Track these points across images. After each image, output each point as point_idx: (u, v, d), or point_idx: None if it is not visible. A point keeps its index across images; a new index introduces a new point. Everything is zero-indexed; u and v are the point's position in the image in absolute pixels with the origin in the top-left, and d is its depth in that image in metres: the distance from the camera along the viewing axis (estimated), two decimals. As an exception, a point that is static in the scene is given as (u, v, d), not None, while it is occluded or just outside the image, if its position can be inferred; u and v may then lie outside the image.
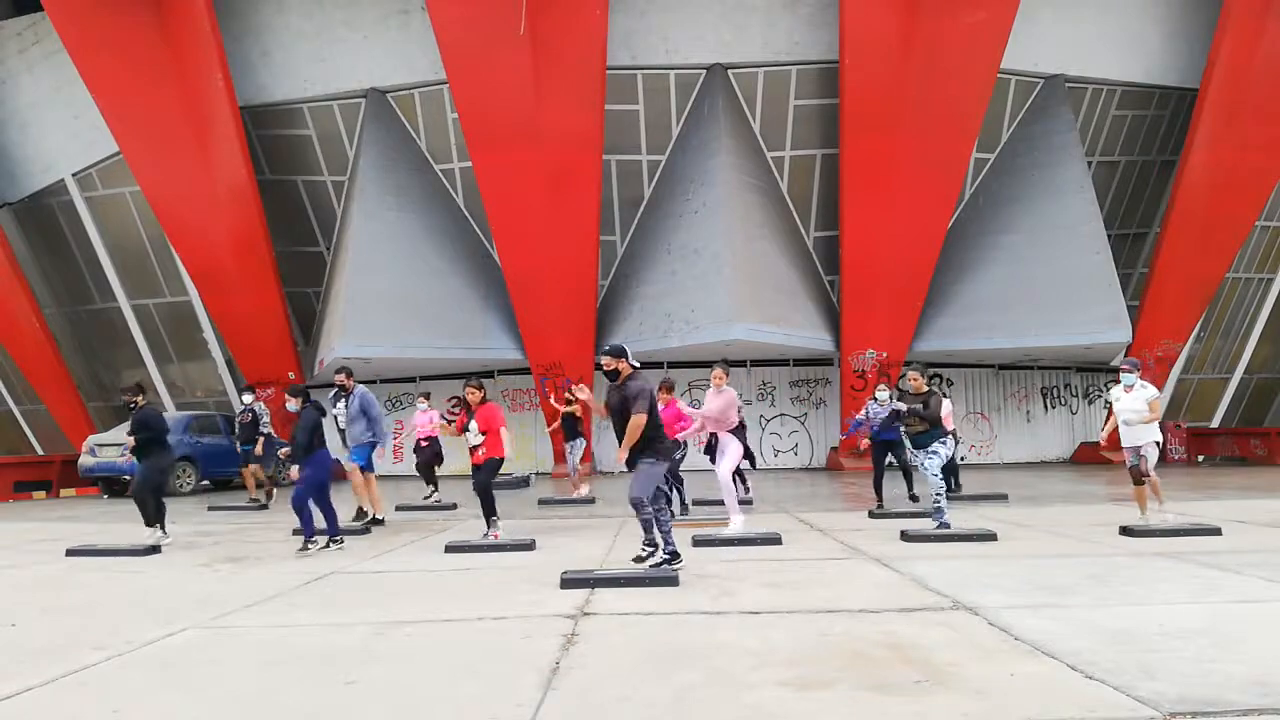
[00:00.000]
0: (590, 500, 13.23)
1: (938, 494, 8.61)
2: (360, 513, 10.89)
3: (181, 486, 17.48)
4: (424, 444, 13.30)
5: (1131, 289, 20.74)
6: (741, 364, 22.11)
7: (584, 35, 17.54)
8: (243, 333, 20.13)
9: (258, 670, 4.45)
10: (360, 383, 11.20)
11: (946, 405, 9.65)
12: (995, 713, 3.53)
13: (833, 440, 21.57)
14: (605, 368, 6.98)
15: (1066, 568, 6.83)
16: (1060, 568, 6.84)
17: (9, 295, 21.35)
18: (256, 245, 19.41)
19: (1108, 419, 9.56)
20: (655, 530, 6.89)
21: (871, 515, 10.53)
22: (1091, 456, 21.18)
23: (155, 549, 8.78)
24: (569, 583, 6.35)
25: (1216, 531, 8.42)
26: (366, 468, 10.79)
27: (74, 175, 21.17)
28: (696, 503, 12.10)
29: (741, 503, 9.99)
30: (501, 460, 9.12)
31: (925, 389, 8.77)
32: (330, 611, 5.81)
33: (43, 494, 18.26)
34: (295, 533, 10.01)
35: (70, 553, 8.80)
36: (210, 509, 13.40)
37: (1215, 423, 23.43)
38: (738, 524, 8.87)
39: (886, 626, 4.97)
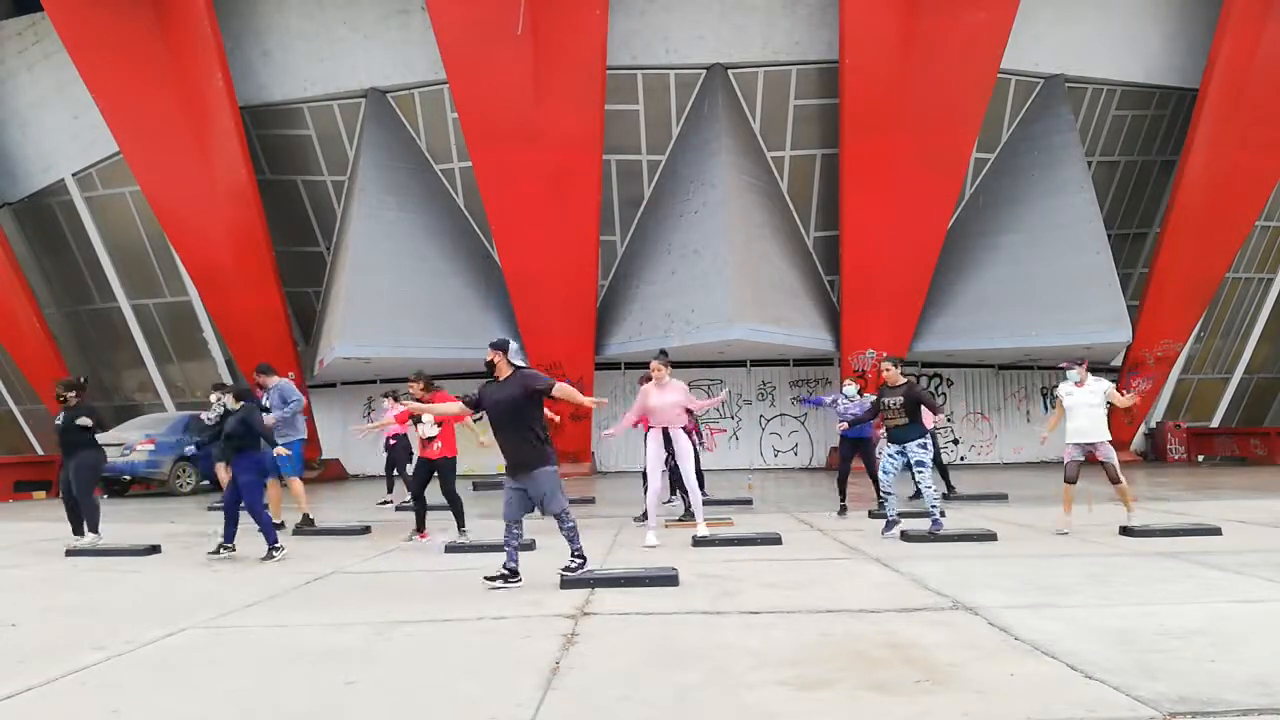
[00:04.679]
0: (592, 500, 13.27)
1: (934, 503, 8.67)
2: (306, 519, 10.43)
3: (181, 486, 17.49)
4: (393, 443, 13.46)
5: (1131, 289, 20.73)
6: (741, 364, 22.10)
7: (584, 35, 17.53)
8: (243, 333, 20.13)
9: (257, 670, 4.45)
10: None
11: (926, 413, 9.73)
12: (995, 713, 3.53)
13: (832, 440, 21.55)
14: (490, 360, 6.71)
15: (1066, 568, 6.83)
16: (1060, 568, 6.84)
17: (9, 295, 21.34)
18: (256, 245, 19.40)
19: (1056, 416, 9.71)
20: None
21: (872, 515, 10.49)
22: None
23: (155, 549, 8.78)
24: (569, 582, 6.36)
25: (1216, 531, 8.43)
26: (292, 473, 10.40)
27: (74, 175, 21.16)
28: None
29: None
30: (454, 459, 9.22)
31: (902, 381, 8.84)
32: (330, 611, 5.80)
33: (43, 494, 18.21)
34: (295, 532, 10.05)
35: (70, 553, 8.81)
36: (210, 509, 13.38)
37: (1215, 423, 23.42)
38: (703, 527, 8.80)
39: (887, 626, 4.97)
